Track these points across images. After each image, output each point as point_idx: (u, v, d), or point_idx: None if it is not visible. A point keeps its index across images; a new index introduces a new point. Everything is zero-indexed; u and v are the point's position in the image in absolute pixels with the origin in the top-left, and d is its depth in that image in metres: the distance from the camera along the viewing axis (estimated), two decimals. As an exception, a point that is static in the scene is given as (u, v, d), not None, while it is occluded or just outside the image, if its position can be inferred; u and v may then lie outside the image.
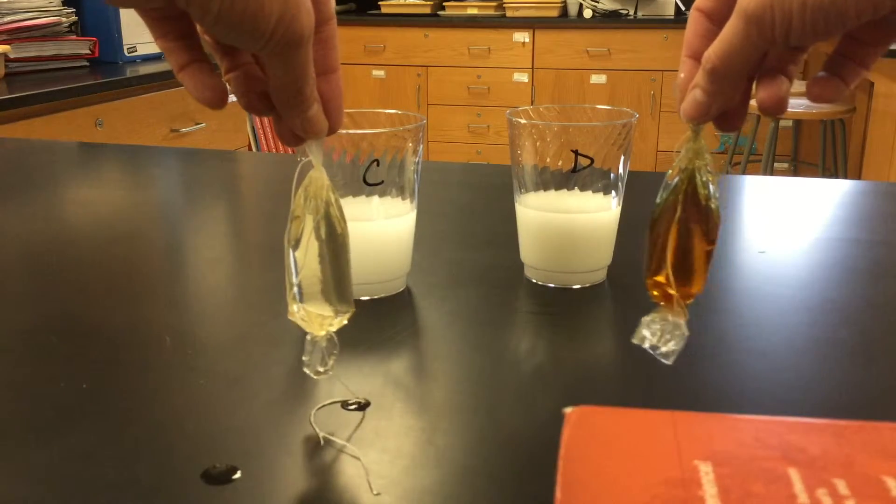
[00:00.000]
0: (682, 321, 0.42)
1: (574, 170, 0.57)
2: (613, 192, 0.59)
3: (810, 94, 0.39)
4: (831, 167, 3.29)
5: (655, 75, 3.84)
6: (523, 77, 4.01)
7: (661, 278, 0.42)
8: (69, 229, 0.78)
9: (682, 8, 3.89)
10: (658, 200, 0.42)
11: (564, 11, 3.99)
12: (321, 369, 0.41)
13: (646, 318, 0.43)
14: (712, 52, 0.38)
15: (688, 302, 0.42)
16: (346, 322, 0.41)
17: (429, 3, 4.11)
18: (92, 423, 0.42)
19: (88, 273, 0.66)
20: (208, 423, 0.42)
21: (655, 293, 0.42)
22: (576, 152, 0.57)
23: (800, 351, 0.51)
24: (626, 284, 0.61)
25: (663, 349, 0.42)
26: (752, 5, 0.35)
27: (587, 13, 3.88)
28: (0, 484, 0.37)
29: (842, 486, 0.32)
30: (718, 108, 0.39)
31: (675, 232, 0.41)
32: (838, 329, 0.54)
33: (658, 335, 0.42)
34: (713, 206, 0.41)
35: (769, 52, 0.38)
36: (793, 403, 0.45)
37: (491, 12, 4.00)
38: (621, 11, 3.88)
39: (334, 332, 0.41)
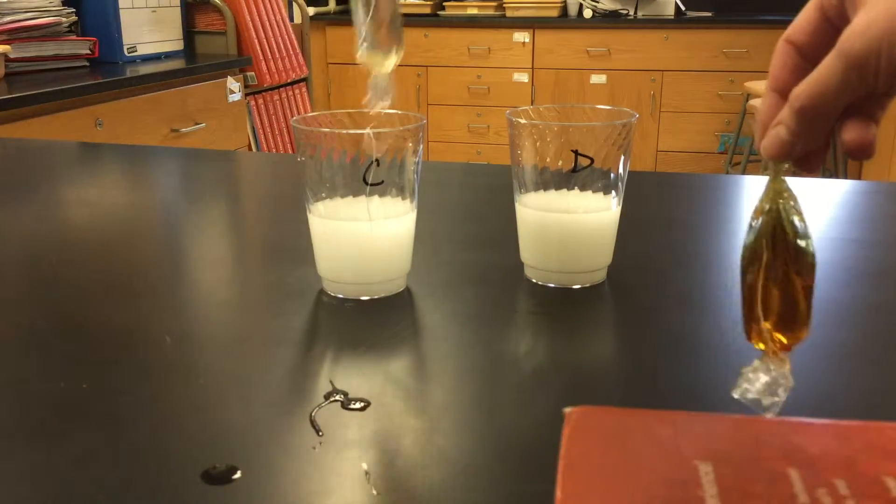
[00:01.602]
0: (786, 370, 0.40)
1: (574, 170, 0.57)
2: (613, 192, 0.59)
3: (846, 140, 0.37)
4: (831, 167, 3.29)
5: (655, 75, 3.84)
6: (523, 77, 4.01)
7: (764, 327, 0.40)
8: (69, 229, 0.78)
9: (683, 8, 3.89)
10: (744, 244, 0.40)
11: (564, 11, 3.99)
12: (382, 103, 0.45)
13: (746, 369, 0.41)
14: (804, 91, 0.36)
15: (795, 346, 0.40)
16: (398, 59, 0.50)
17: (429, 3, 4.11)
18: (92, 423, 0.42)
19: (88, 273, 0.66)
20: (208, 423, 0.42)
21: (759, 343, 0.40)
22: (576, 152, 0.57)
23: (800, 351, 0.51)
24: (626, 284, 0.61)
25: (766, 402, 0.40)
26: (857, 47, 0.33)
27: (587, 13, 3.88)
28: (0, 484, 0.37)
29: (842, 486, 0.32)
30: (803, 150, 0.37)
31: (765, 278, 0.39)
32: (838, 329, 0.54)
33: (761, 389, 0.40)
34: (804, 244, 0.38)
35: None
36: (793, 403, 0.45)
37: (491, 12, 4.00)
38: (621, 11, 3.88)
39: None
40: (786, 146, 0.37)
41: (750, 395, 0.40)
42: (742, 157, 3.36)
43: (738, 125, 3.55)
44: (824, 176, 3.24)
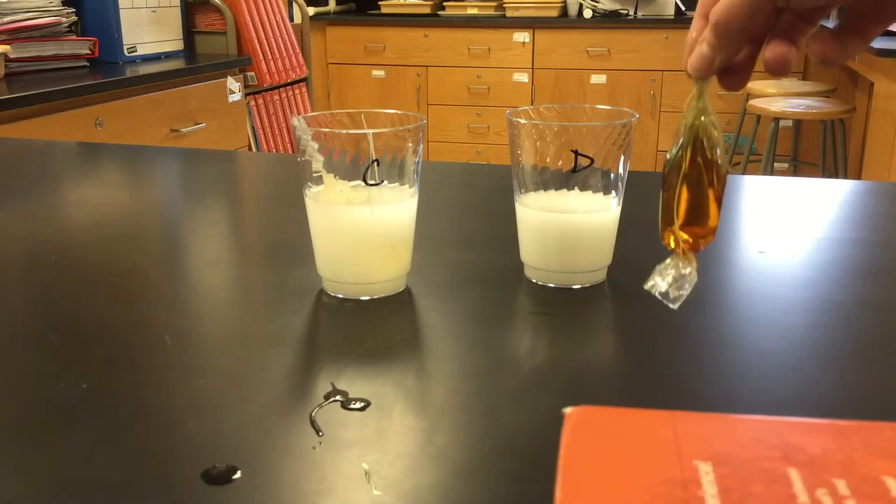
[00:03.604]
0: (692, 268, 0.46)
1: (574, 170, 0.57)
2: (613, 192, 0.59)
3: (811, 50, 0.42)
4: (831, 167, 3.29)
5: (655, 75, 3.84)
6: (523, 77, 4.01)
7: (674, 228, 0.45)
8: (69, 229, 0.78)
9: (683, 8, 3.89)
10: (668, 157, 0.45)
11: (564, 11, 3.99)
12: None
13: (659, 266, 0.46)
14: (719, 7, 0.41)
15: (701, 247, 0.45)
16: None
17: (429, 3, 4.11)
18: (92, 423, 0.42)
19: (88, 273, 0.66)
20: (208, 423, 0.42)
21: (671, 243, 0.46)
22: (576, 152, 0.57)
23: (800, 351, 0.51)
24: (626, 284, 0.61)
25: (673, 295, 0.46)
26: None
27: (587, 13, 3.88)
28: (0, 484, 0.37)
29: (842, 486, 0.32)
30: (721, 63, 0.42)
31: (683, 185, 0.44)
32: (838, 329, 0.54)
33: (670, 282, 0.46)
34: (719, 159, 0.43)
35: (779, 19, 0.42)
36: (793, 403, 0.45)
37: (491, 12, 4.00)
38: (621, 11, 3.88)
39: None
40: (706, 60, 0.42)
41: (660, 290, 0.46)
42: (742, 157, 3.36)
43: (738, 125, 3.55)
44: (824, 176, 3.25)
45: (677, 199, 0.44)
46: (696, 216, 0.45)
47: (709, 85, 0.43)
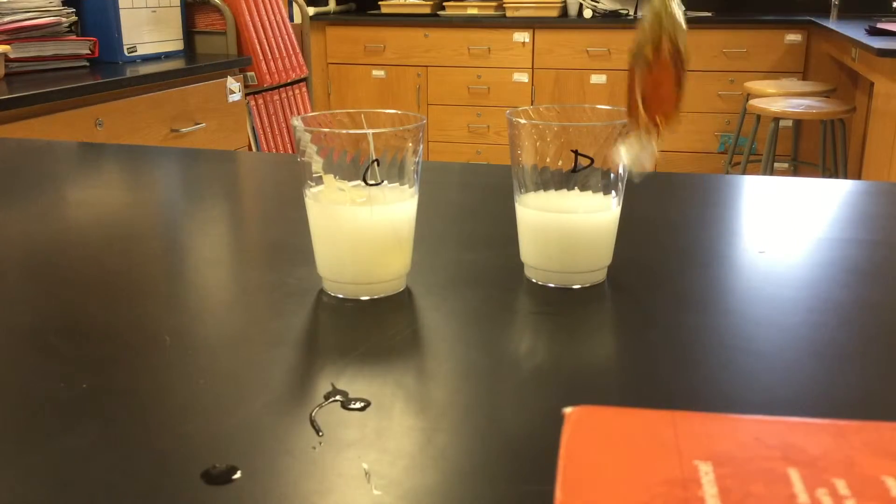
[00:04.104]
0: (654, 145, 0.50)
1: (574, 170, 0.57)
2: (613, 192, 0.59)
3: None
4: (831, 167, 3.29)
5: (655, 75, 3.84)
6: (523, 77, 4.01)
7: (641, 107, 0.49)
8: (69, 229, 0.78)
9: (682, 8, 3.89)
10: (634, 40, 0.48)
11: (564, 11, 3.99)
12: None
13: (624, 142, 0.51)
14: None
15: (663, 126, 0.49)
16: None
17: (429, 3, 4.11)
18: (92, 423, 0.42)
19: (88, 273, 0.66)
20: (208, 423, 0.42)
21: (637, 122, 0.50)
22: (576, 152, 0.57)
23: (800, 351, 0.51)
24: (626, 284, 0.61)
25: (636, 170, 0.51)
26: None
27: (587, 13, 3.88)
28: (0, 484, 0.37)
29: (842, 486, 0.32)
30: None
31: (648, 67, 0.47)
32: (838, 329, 0.54)
33: (634, 158, 0.51)
34: (681, 43, 0.47)
35: None
36: (793, 403, 0.45)
37: (491, 12, 4.00)
38: (621, 11, 3.88)
39: None
40: None
41: (622, 161, 0.52)
42: (742, 157, 3.36)
43: (738, 125, 3.55)
44: (824, 176, 3.24)
45: (642, 79, 0.48)
46: (660, 96, 0.48)
47: None
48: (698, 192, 0.91)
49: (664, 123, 0.49)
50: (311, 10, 3.85)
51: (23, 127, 1.80)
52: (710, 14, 3.90)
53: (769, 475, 0.33)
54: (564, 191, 0.59)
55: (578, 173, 0.57)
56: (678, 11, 0.47)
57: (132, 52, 2.45)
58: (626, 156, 0.51)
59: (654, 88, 0.48)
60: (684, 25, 0.47)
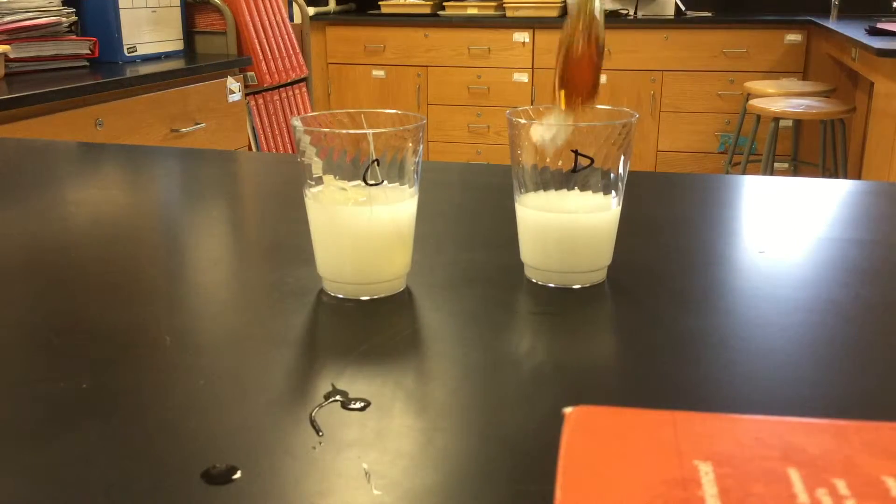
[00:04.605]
0: (569, 123, 0.56)
1: (574, 170, 0.57)
2: (613, 192, 0.59)
3: None
4: (831, 167, 3.29)
5: (655, 75, 3.84)
6: (523, 77, 4.01)
7: (560, 89, 0.56)
8: (69, 229, 0.78)
9: (682, 8, 3.90)
10: (561, 34, 0.55)
11: (564, 11, 3.99)
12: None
13: (541, 122, 0.56)
14: None
15: (580, 105, 0.56)
16: None
17: (429, 3, 4.11)
18: (92, 423, 0.42)
19: (88, 273, 0.66)
20: (208, 423, 0.42)
21: (560, 102, 0.56)
22: (576, 152, 0.57)
23: (800, 351, 0.51)
24: (626, 284, 0.61)
25: (550, 147, 0.55)
26: None
27: (587, 13, 3.88)
28: (0, 484, 0.37)
29: (842, 486, 0.32)
30: None
31: (568, 51, 0.55)
32: (838, 329, 0.54)
33: (550, 136, 0.55)
34: (600, 33, 0.55)
35: None
36: (793, 403, 0.45)
37: (491, 12, 4.00)
38: (621, 11, 3.88)
39: None
40: None
41: (539, 137, 0.55)
42: (742, 157, 3.36)
43: (738, 125, 3.55)
44: (824, 176, 3.24)
45: (563, 62, 0.55)
46: (579, 80, 0.55)
47: None
48: (698, 192, 0.91)
49: (582, 103, 0.56)
50: (311, 10, 3.85)
51: (23, 127, 1.80)
52: (710, 14, 3.90)
53: (769, 475, 0.33)
54: (564, 191, 0.59)
55: (578, 173, 0.57)
56: (597, 6, 0.55)
57: (132, 52, 2.45)
58: (545, 132, 0.56)
59: (575, 73, 0.55)
60: (601, 19, 0.55)
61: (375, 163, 0.55)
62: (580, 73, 0.55)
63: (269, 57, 2.85)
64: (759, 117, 3.23)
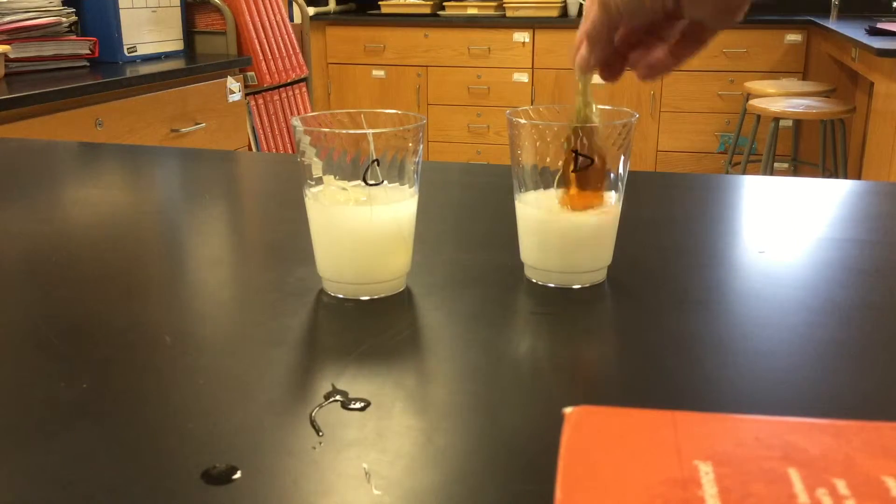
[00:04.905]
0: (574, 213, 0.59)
1: (574, 170, 0.57)
2: (613, 192, 0.59)
3: (636, 64, 0.57)
4: (831, 167, 3.29)
5: (655, 75, 3.84)
6: (523, 77, 4.01)
7: (562, 191, 0.58)
8: (69, 229, 0.78)
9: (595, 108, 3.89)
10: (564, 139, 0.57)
11: (564, 11, 3.99)
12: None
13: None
14: (586, 24, 0.55)
15: (582, 208, 0.58)
16: None
17: (429, 3, 4.11)
18: (92, 423, 0.42)
19: (88, 273, 0.66)
20: (208, 423, 0.42)
21: (564, 201, 0.58)
22: (576, 152, 0.57)
23: (800, 351, 0.51)
24: (626, 284, 0.61)
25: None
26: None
27: (587, 13, 3.88)
28: (0, 484, 0.37)
29: (842, 486, 0.32)
30: (596, 62, 0.56)
31: (567, 160, 0.57)
32: (838, 329, 0.54)
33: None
34: (599, 141, 0.57)
35: (627, 33, 0.56)
36: (793, 403, 0.45)
37: (491, 12, 4.00)
38: (621, 11, 3.87)
39: None
40: (584, 60, 0.56)
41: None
42: (742, 157, 3.36)
43: (738, 125, 3.55)
44: (824, 176, 3.25)
45: (564, 170, 0.57)
46: (578, 183, 0.57)
47: (590, 79, 0.58)
48: (698, 192, 0.91)
49: (579, 203, 0.58)
50: (311, 10, 3.85)
51: (23, 127, 1.80)
52: (710, 14, 3.89)
53: (769, 475, 0.33)
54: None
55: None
56: (593, 110, 0.58)
57: (132, 52, 2.45)
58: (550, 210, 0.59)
59: (574, 175, 0.57)
60: (596, 121, 0.57)
61: (375, 163, 0.55)
62: (581, 181, 0.57)
63: (269, 57, 2.85)
64: (759, 117, 3.23)
